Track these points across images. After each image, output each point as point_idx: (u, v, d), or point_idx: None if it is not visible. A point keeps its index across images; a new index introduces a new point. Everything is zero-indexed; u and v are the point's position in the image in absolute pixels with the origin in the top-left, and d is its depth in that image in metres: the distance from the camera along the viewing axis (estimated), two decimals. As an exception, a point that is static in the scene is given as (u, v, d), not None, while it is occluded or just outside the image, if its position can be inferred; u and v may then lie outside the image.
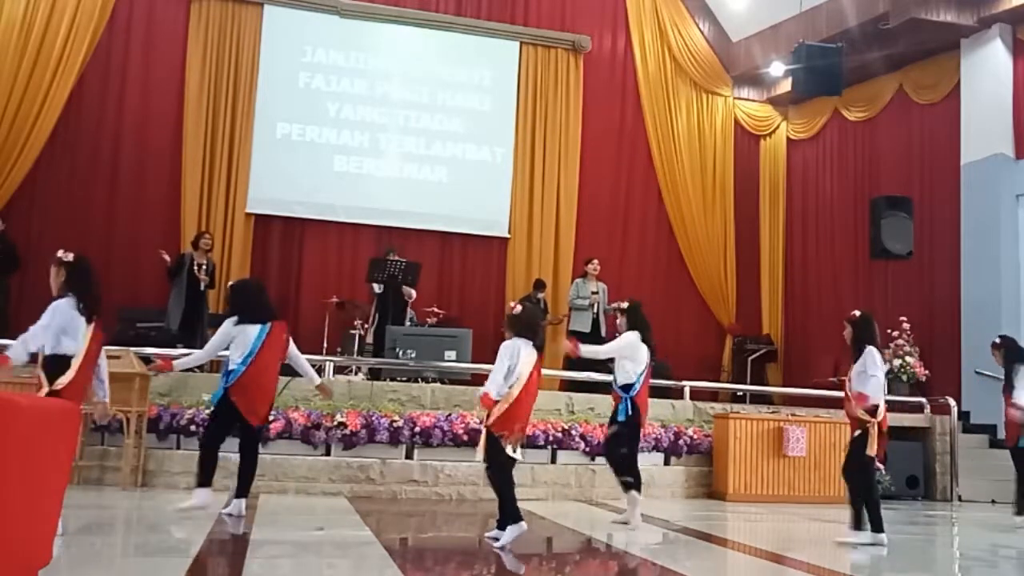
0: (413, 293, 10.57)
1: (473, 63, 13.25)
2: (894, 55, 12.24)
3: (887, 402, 10.44)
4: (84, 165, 11.72)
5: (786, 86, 13.32)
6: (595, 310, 11.23)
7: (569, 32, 13.58)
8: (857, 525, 6.04)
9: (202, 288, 9.97)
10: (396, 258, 10.44)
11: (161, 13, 12.15)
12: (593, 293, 11.29)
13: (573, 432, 8.31)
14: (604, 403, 8.95)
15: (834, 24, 12.15)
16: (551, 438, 8.11)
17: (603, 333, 11.30)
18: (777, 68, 13.42)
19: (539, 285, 11.97)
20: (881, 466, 9.37)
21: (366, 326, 10.75)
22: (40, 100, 11.22)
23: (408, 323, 10.54)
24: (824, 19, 12.35)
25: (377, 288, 10.40)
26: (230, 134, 12.14)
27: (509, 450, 5.25)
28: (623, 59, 13.99)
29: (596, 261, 11.63)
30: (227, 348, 6.07)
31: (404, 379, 9.09)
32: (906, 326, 11.34)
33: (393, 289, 10.40)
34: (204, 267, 10.02)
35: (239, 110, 12.21)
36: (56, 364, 4.96)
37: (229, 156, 12.11)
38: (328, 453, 7.69)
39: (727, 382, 13.25)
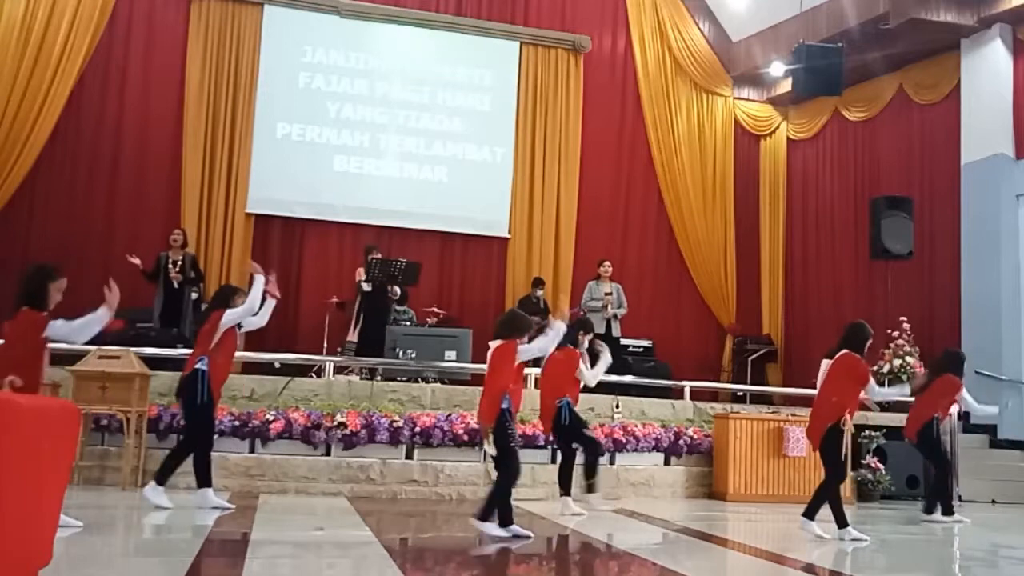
0: (397, 290, 10.54)
1: (473, 63, 13.24)
2: (894, 55, 12.23)
3: (887, 402, 10.48)
4: (84, 165, 11.71)
5: (786, 86, 13.31)
6: (608, 311, 11.25)
7: (569, 32, 13.57)
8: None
9: (175, 285, 9.93)
10: (379, 256, 10.40)
11: (161, 13, 12.14)
12: (607, 294, 11.31)
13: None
14: (604, 403, 8.98)
15: (834, 24, 12.14)
16: (551, 438, 8.09)
17: (615, 334, 11.32)
18: (777, 68, 13.41)
19: (537, 283, 12.02)
20: (881, 466, 9.43)
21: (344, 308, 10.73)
22: (40, 100, 11.21)
23: (393, 321, 10.54)
24: (824, 19, 12.34)
25: (367, 286, 10.36)
26: (230, 134, 12.13)
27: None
28: (623, 59, 13.98)
29: (608, 262, 11.66)
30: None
31: (404, 379, 9.08)
32: (906, 326, 11.33)
33: (380, 288, 10.36)
34: (180, 263, 9.99)
35: (239, 110, 12.20)
36: None
37: (229, 156, 12.11)
38: (328, 453, 7.69)
39: (727, 382, 13.24)
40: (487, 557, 5.19)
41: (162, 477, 6.24)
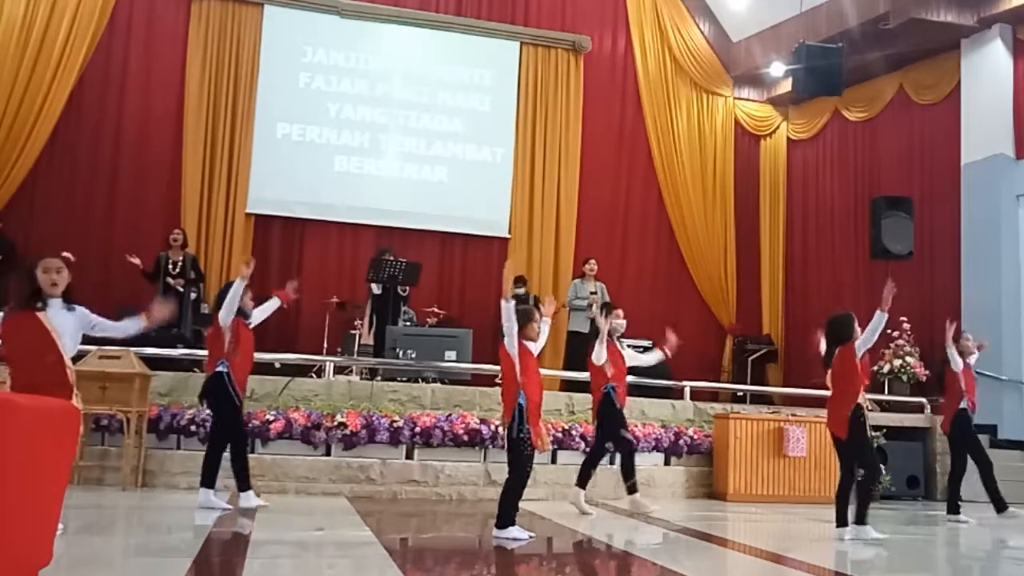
0: (407, 289, 10.56)
1: (473, 63, 13.24)
2: (894, 55, 12.23)
3: (887, 402, 10.47)
4: (84, 165, 11.71)
5: (786, 86, 13.31)
6: (593, 310, 11.24)
7: (569, 32, 13.57)
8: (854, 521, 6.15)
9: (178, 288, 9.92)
10: (393, 257, 10.42)
11: (161, 13, 12.15)
12: (592, 293, 11.31)
13: (573, 432, 8.31)
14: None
15: (834, 24, 12.14)
16: (551, 438, 8.10)
17: None
18: (777, 68, 13.41)
19: (519, 281, 12.03)
20: (881, 466, 9.42)
21: (358, 322, 10.74)
22: (40, 100, 11.21)
23: (403, 320, 10.53)
24: (824, 19, 12.34)
25: (376, 289, 10.39)
26: (230, 134, 12.14)
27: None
28: (623, 59, 13.98)
29: (593, 261, 11.65)
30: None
31: (404, 379, 9.09)
32: (906, 326, 11.34)
33: (392, 290, 10.39)
34: (180, 264, 9.98)
35: (239, 110, 12.21)
36: None
37: (229, 156, 12.11)
38: (328, 453, 7.69)
39: (727, 382, 13.24)
40: (487, 557, 5.19)
41: (209, 481, 6.27)
